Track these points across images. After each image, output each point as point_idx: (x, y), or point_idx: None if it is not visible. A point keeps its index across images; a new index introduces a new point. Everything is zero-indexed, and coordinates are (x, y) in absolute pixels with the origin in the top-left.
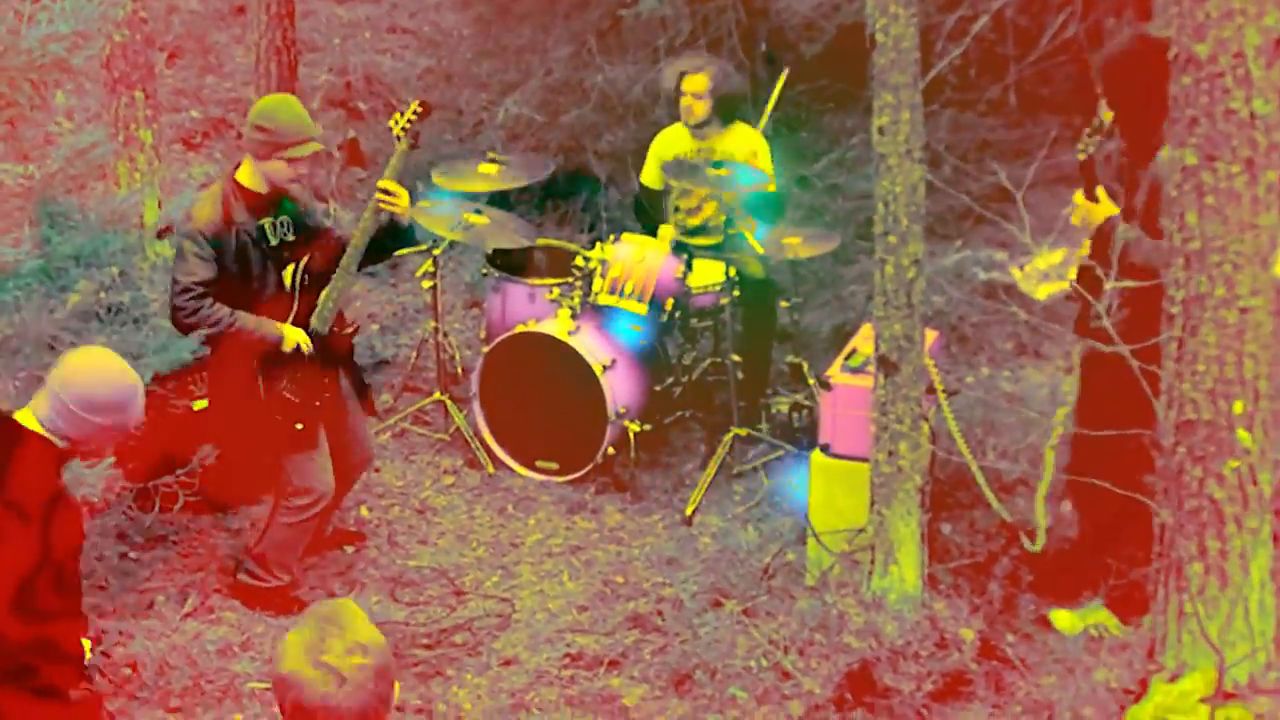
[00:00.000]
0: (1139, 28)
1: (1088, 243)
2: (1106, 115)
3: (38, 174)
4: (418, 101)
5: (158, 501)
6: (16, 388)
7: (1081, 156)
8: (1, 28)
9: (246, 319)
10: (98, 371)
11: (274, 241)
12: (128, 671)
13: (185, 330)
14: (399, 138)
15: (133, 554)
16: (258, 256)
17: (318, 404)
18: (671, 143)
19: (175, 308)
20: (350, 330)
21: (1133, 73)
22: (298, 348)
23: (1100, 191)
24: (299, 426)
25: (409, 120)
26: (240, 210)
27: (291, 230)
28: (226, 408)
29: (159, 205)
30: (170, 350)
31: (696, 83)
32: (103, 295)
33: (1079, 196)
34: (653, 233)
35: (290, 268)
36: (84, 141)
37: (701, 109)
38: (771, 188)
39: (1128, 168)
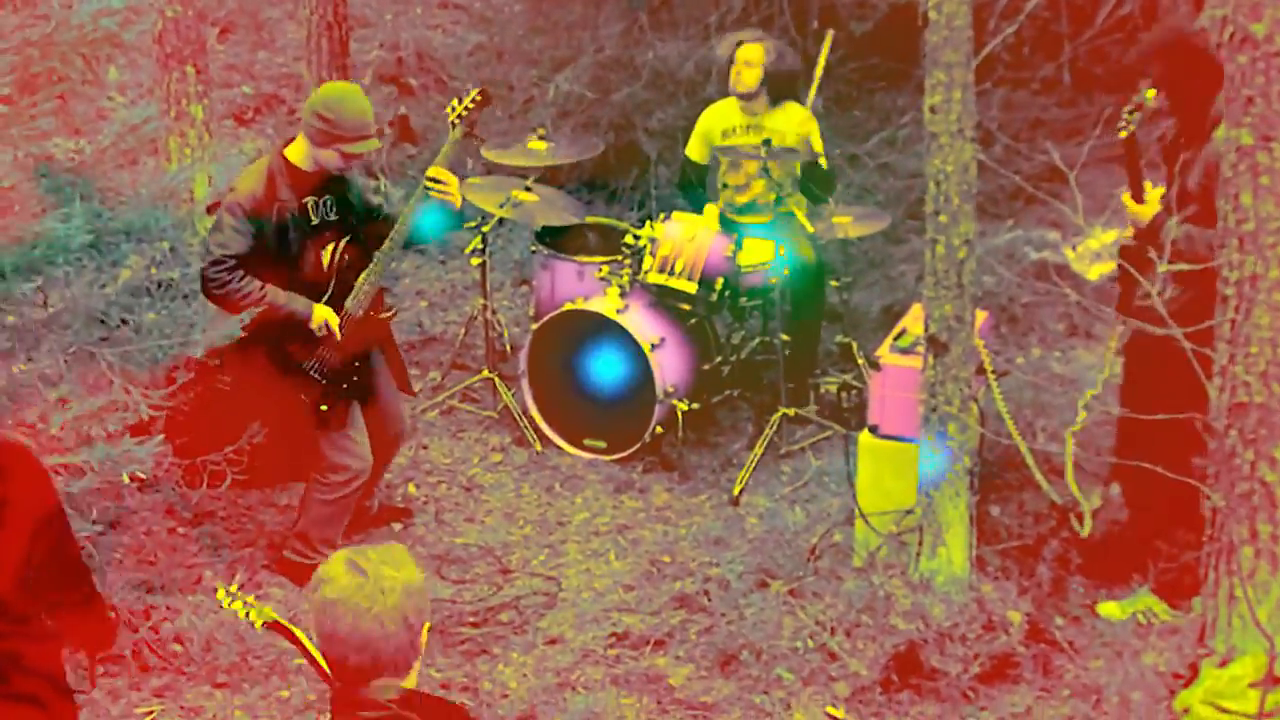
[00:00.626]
0: (1184, 13)
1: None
2: (1149, 94)
3: (89, 149)
4: (477, 90)
5: (206, 478)
6: (66, 363)
7: (1123, 134)
8: (54, 2)
9: (277, 293)
10: None
11: (315, 221)
12: (176, 647)
13: (214, 300)
14: (454, 124)
15: (181, 530)
16: (297, 234)
17: (344, 386)
18: (720, 118)
19: (205, 278)
20: (388, 314)
21: (1182, 55)
22: (326, 327)
23: (1148, 186)
24: (324, 408)
25: (466, 108)
26: (284, 188)
27: (334, 210)
28: (253, 380)
29: (209, 181)
30: (220, 326)
31: (751, 51)
32: (153, 271)
33: (1126, 198)
34: (697, 207)
35: (329, 247)
36: (136, 117)
37: (751, 77)
38: (822, 163)
39: (1175, 150)
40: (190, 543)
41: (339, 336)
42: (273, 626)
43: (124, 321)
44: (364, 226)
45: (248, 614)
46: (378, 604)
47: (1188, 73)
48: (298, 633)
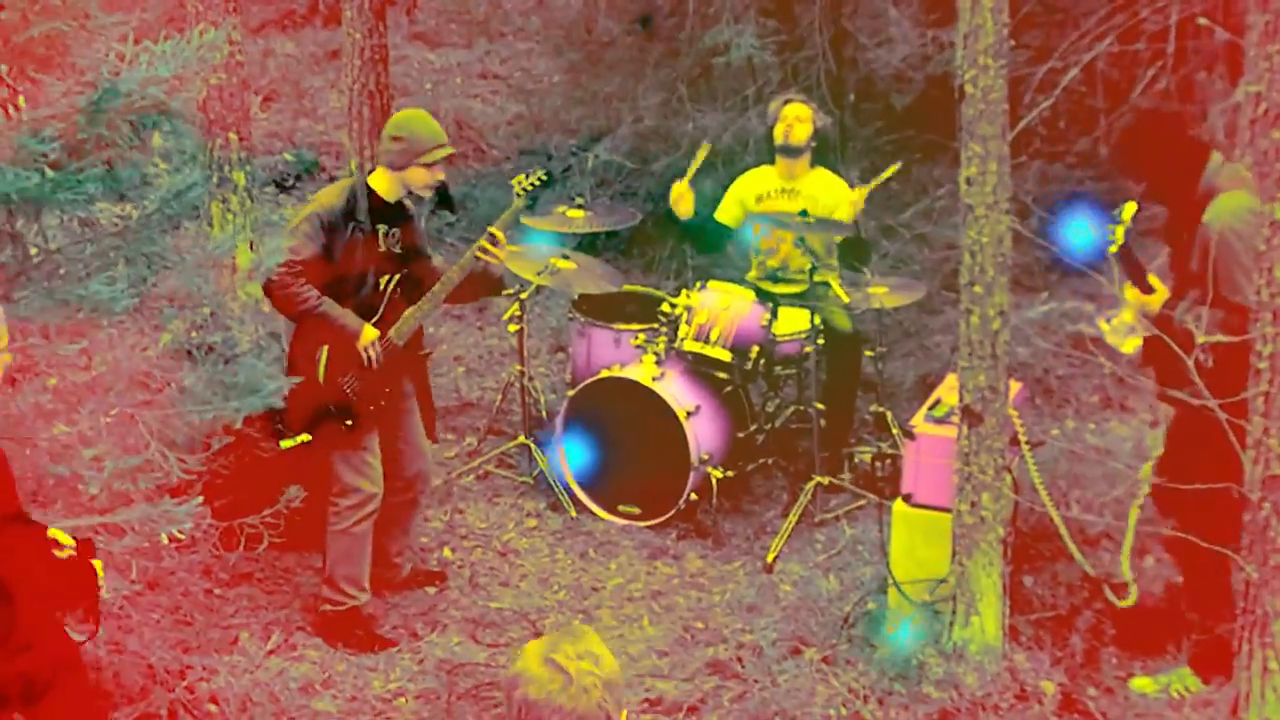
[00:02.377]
0: (1145, 100)
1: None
2: (1128, 209)
3: (134, 214)
4: (543, 171)
5: (243, 540)
6: (108, 425)
7: (1113, 250)
8: (103, 69)
9: (333, 307)
10: None
11: (382, 247)
12: (212, 707)
13: (275, 299)
14: (519, 195)
15: (218, 590)
16: (363, 256)
17: (373, 408)
18: (756, 182)
19: (272, 279)
20: (425, 352)
21: (1160, 138)
22: (370, 348)
23: (1152, 278)
24: (348, 423)
25: (531, 184)
26: (362, 209)
27: (399, 243)
28: (295, 388)
29: (251, 247)
30: (259, 391)
31: (801, 109)
32: (194, 334)
33: (1130, 291)
34: (711, 258)
35: (387, 276)
36: (180, 182)
37: (802, 132)
38: (861, 235)
39: (1175, 232)
40: (227, 603)
41: (380, 360)
42: None
43: (165, 385)
44: (418, 268)
45: None
46: (580, 703)
47: (1167, 155)
48: None
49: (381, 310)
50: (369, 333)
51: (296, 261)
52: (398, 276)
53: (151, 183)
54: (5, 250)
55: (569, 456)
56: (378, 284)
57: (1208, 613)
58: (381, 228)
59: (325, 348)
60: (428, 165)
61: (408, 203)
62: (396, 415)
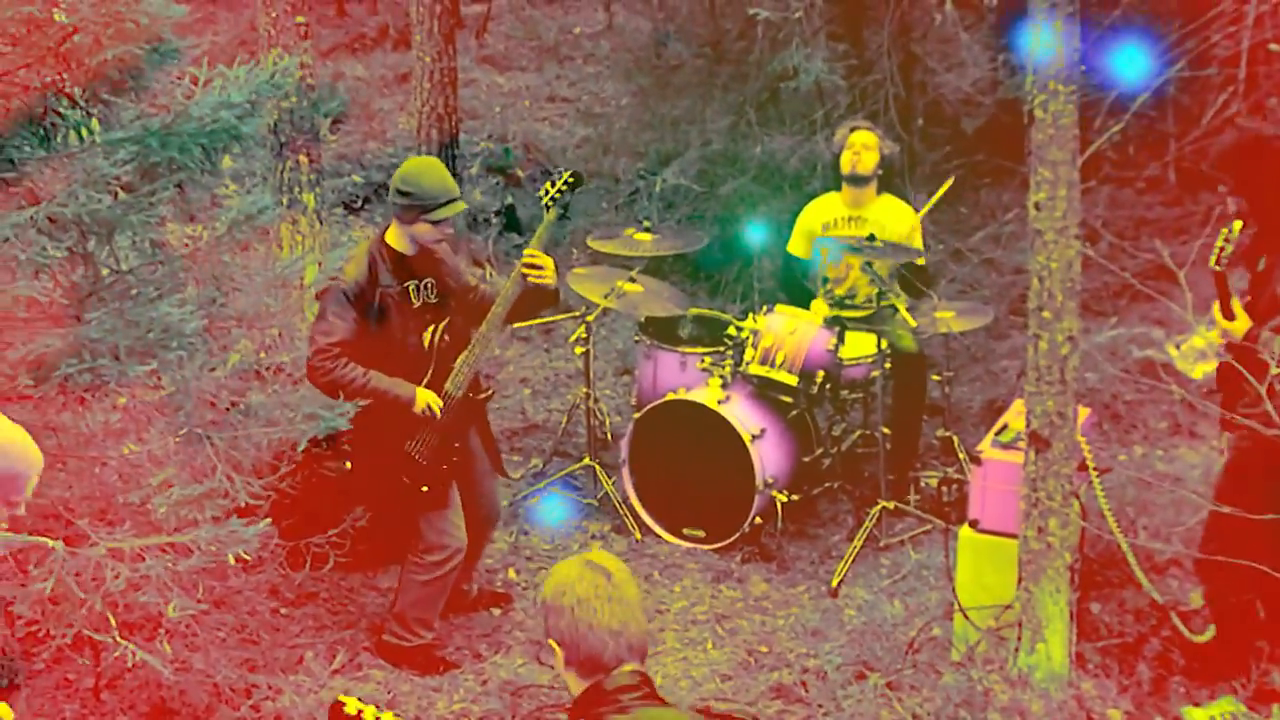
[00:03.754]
0: (1248, 120)
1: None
2: (1236, 226)
3: (204, 235)
4: (569, 172)
5: (309, 560)
6: (177, 444)
7: (1217, 268)
8: (177, 92)
9: (380, 379)
10: None
11: (416, 304)
12: None
13: (320, 387)
14: (547, 207)
15: (283, 610)
16: (399, 317)
17: (445, 467)
18: (821, 211)
19: (311, 366)
20: (485, 395)
21: (1258, 157)
22: (429, 409)
23: (1236, 305)
24: (424, 489)
25: (559, 191)
26: (385, 273)
27: (434, 293)
28: (365, 463)
29: (319, 268)
30: (321, 423)
31: (869, 136)
32: (262, 355)
33: (1217, 313)
34: (801, 303)
35: (430, 329)
36: (250, 205)
37: (870, 160)
38: (920, 261)
39: (1255, 254)
40: (292, 623)
41: (440, 418)
42: None
43: (232, 404)
44: (462, 306)
45: None
46: (627, 592)
47: (1264, 175)
48: None
49: (433, 365)
50: (422, 396)
51: (332, 344)
52: (441, 326)
53: (221, 204)
54: (78, 271)
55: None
56: (420, 341)
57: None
58: (410, 284)
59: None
60: (434, 222)
61: (433, 246)
62: (468, 465)
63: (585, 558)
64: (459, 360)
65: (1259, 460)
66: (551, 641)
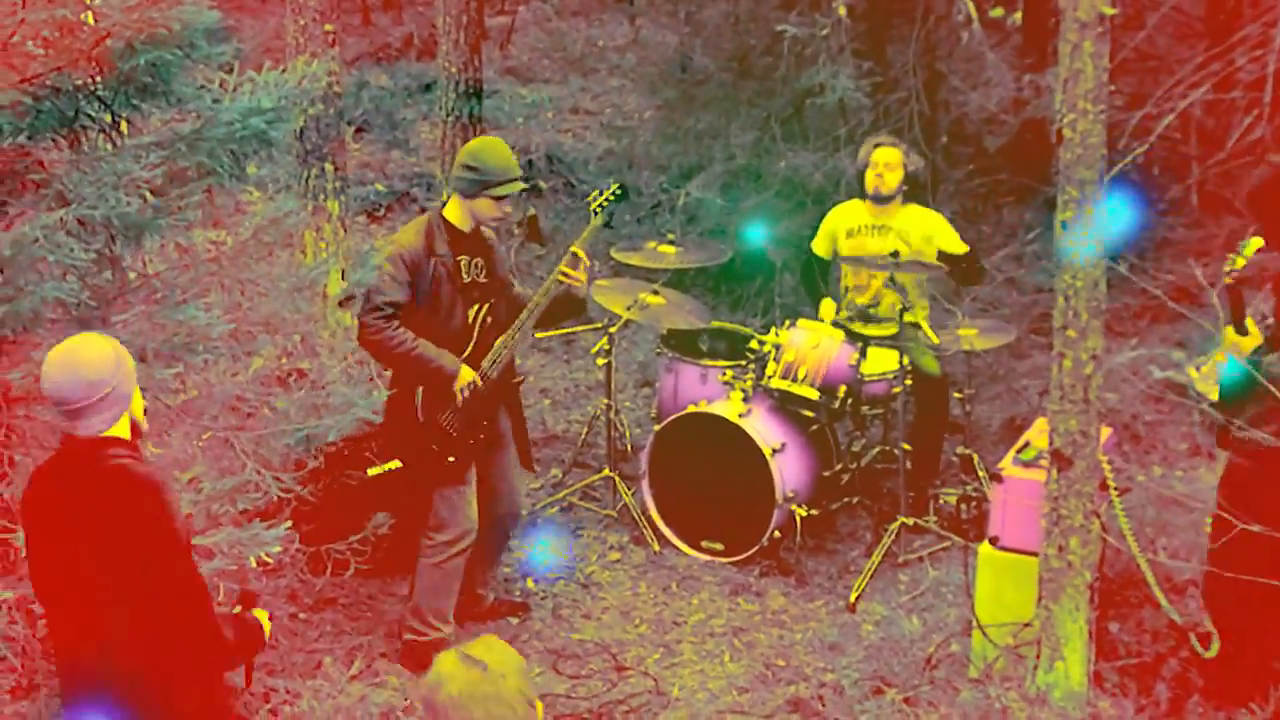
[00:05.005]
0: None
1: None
2: (1251, 245)
3: (230, 241)
4: (617, 184)
5: (329, 565)
6: (200, 448)
7: (1228, 281)
8: (206, 98)
9: (428, 347)
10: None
11: (466, 279)
12: None
13: (368, 346)
14: (595, 213)
15: (303, 615)
16: (449, 290)
17: (473, 442)
18: (846, 216)
19: (363, 324)
20: (518, 380)
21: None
22: (469, 385)
23: (1249, 323)
24: (451, 459)
25: (606, 200)
26: (441, 243)
27: (483, 272)
28: (394, 429)
29: (343, 275)
30: (347, 417)
31: (892, 154)
32: (283, 361)
33: (1229, 331)
34: (815, 298)
35: (475, 307)
36: (275, 210)
37: (893, 179)
38: (963, 248)
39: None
40: (311, 628)
41: (476, 395)
42: None
43: (254, 411)
44: (503, 295)
45: None
46: (502, 688)
47: None
48: None
49: (474, 342)
50: (466, 373)
51: (386, 303)
52: (486, 306)
53: (246, 210)
54: (105, 274)
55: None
56: (466, 316)
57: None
58: (463, 259)
59: (421, 389)
60: (496, 198)
61: (486, 231)
62: (493, 449)
63: (464, 650)
64: (499, 341)
65: (1258, 477)
66: None
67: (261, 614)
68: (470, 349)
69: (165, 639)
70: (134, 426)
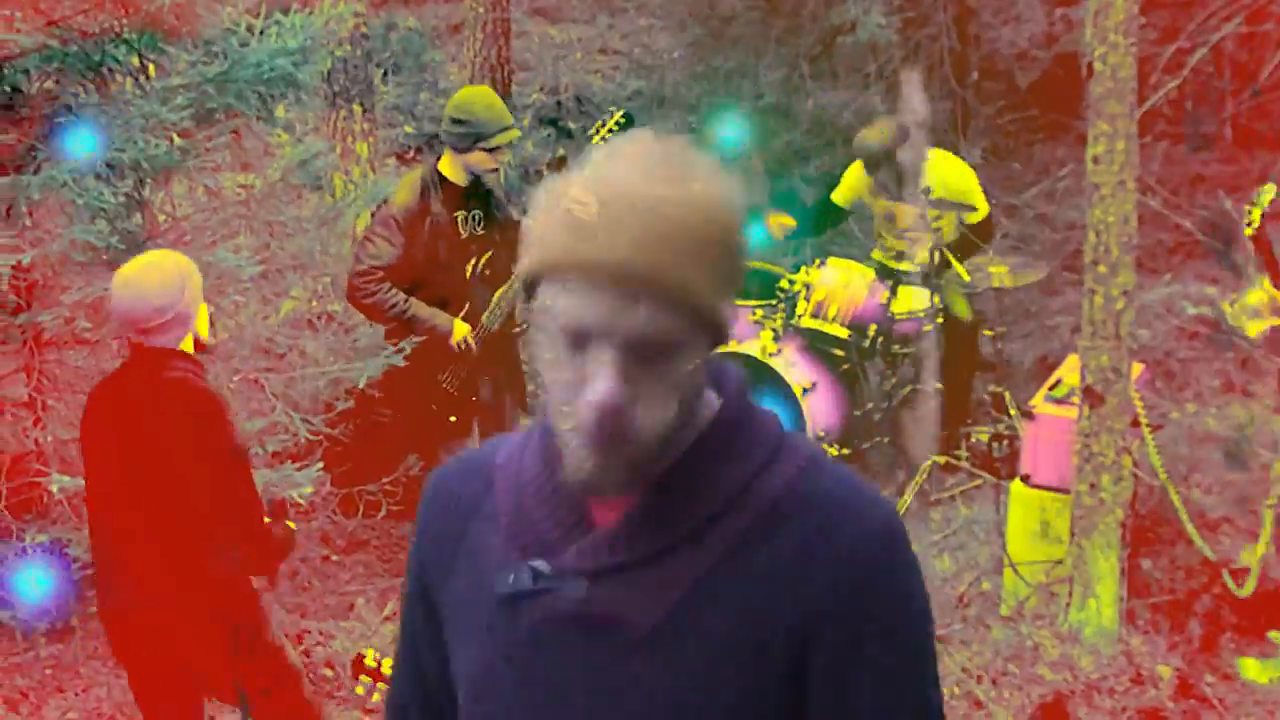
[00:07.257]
0: None
1: None
2: (1265, 195)
3: (258, 183)
4: (621, 112)
5: (361, 507)
6: (232, 390)
7: (1249, 232)
8: (233, 40)
9: (420, 308)
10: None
11: (464, 234)
12: (327, 672)
13: (358, 308)
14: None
15: (335, 557)
16: (445, 246)
17: (474, 399)
18: None
19: (352, 286)
20: (519, 330)
21: None
22: (465, 342)
23: None
24: (452, 419)
25: (610, 131)
26: (436, 200)
27: (481, 224)
28: (395, 391)
29: (371, 216)
30: (376, 360)
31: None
32: (314, 303)
33: (1266, 283)
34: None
35: (473, 260)
36: (304, 153)
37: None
38: (984, 209)
39: None
40: (344, 570)
41: (475, 350)
42: None
43: (284, 354)
44: (506, 241)
45: None
46: None
47: None
48: None
49: (472, 297)
50: (460, 329)
51: (377, 267)
52: (485, 257)
53: (274, 153)
54: (134, 217)
55: None
56: (463, 271)
57: None
58: (460, 214)
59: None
60: (490, 150)
61: (485, 177)
62: (496, 402)
63: None
64: (497, 294)
65: None
66: None
67: (290, 524)
68: (468, 305)
69: (216, 542)
70: (197, 342)
